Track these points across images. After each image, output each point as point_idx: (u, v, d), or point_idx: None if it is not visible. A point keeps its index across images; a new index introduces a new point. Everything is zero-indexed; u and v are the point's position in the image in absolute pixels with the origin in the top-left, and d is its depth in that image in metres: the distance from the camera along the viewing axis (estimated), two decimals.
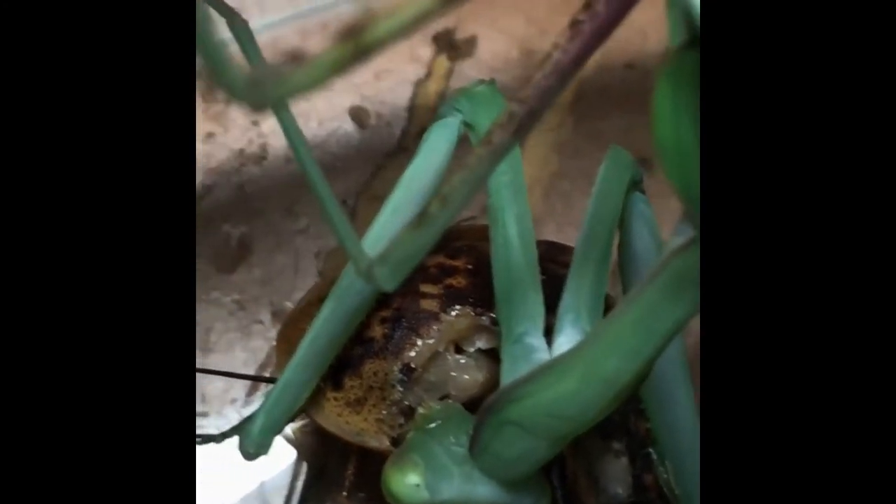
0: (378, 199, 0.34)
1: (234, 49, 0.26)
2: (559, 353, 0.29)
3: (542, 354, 0.30)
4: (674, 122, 0.20)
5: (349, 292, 0.32)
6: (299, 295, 0.42)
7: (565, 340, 0.29)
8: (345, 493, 0.35)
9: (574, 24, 0.21)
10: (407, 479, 0.29)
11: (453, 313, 0.33)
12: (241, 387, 0.41)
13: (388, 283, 0.24)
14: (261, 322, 0.42)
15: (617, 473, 0.34)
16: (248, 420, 0.33)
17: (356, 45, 0.19)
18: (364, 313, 0.33)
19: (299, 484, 0.38)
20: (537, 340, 0.30)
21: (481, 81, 0.33)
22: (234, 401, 0.41)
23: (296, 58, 0.19)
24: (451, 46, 0.47)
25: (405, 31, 0.19)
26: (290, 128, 0.27)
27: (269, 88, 0.19)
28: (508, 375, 0.30)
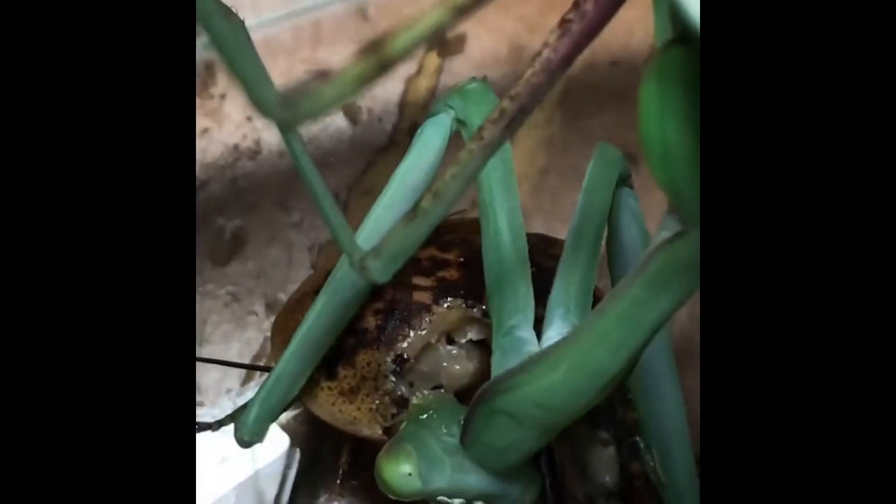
0: (370, 194, 0.35)
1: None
2: (548, 345, 0.30)
3: (532, 347, 0.30)
4: (659, 118, 0.20)
5: (343, 284, 0.32)
6: (293, 287, 0.43)
7: (555, 333, 0.30)
8: (338, 481, 0.36)
9: (563, 23, 0.21)
10: (400, 469, 0.29)
11: (445, 305, 0.34)
12: (235, 377, 0.41)
13: (382, 277, 0.25)
14: (255, 313, 0.43)
15: (604, 462, 0.34)
16: (243, 409, 0.34)
17: (378, 59, 0.19)
18: (358, 305, 0.34)
19: (292, 472, 0.39)
20: (527, 333, 0.30)
21: (473, 79, 0.34)
22: (228, 391, 0.41)
23: (322, 75, 0.20)
24: (442, 44, 0.48)
25: (423, 42, 0.20)
26: (292, 139, 0.27)
27: (300, 106, 0.20)
28: (499, 367, 0.30)
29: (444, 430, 0.30)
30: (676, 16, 0.17)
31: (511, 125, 0.22)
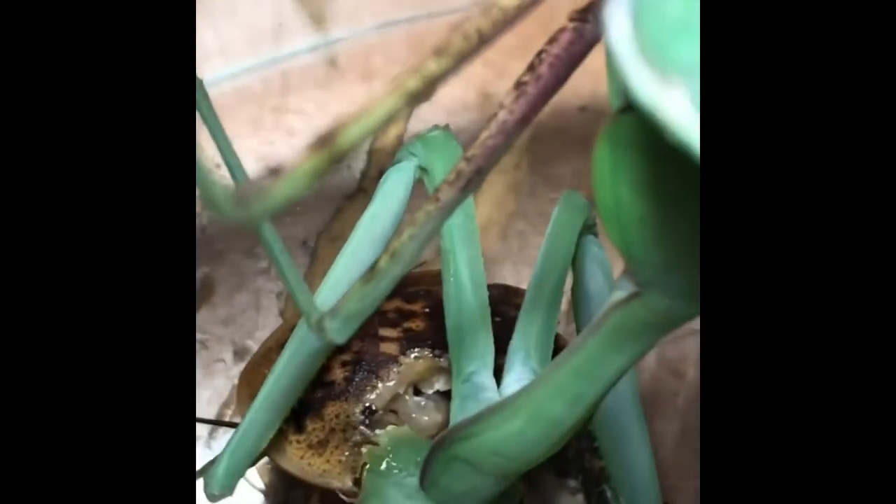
0: (338, 240, 0.35)
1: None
2: (508, 391, 0.30)
3: (491, 394, 0.31)
4: (612, 182, 0.20)
5: (307, 339, 0.32)
6: (261, 334, 0.43)
7: (514, 379, 0.30)
8: None
9: (518, 85, 0.22)
10: None
11: (412, 356, 0.34)
12: (203, 426, 0.41)
13: (339, 337, 0.25)
14: (223, 360, 0.43)
15: None
16: (211, 463, 0.34)
17: (330, 152, 0.19)
18: (323, 358, 0.34)
19: None
20: (487, 379, 0.31)
21: (436, 127, 0.34)
22: (198, 438, 0.41)
23: (275, 172, 0.20)
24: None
25: (374, 130, 0.20)
26: (269, 237, 0.28)
27: (253, 204, 0.20)
28: (458, 413, 0.31)
29: (404, 474, 0.31)
30: (624, 86, 0.18)
31: (468, 186, 0.23)
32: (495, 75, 0.48)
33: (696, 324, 0.45)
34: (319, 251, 0.45)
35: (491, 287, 0.33)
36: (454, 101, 0.47)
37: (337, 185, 0.46)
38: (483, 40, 0.20)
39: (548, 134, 0.48)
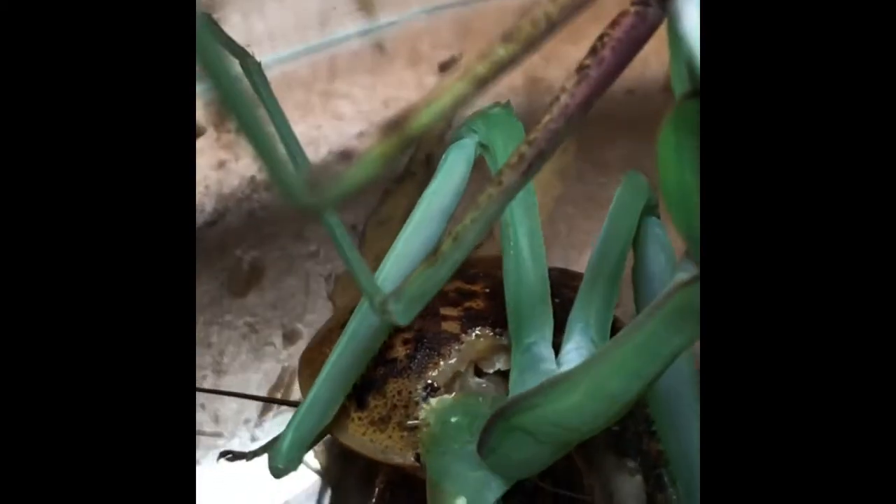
0: (386, 224, 0.35)
1: (245, 86, 0.26)
2: (566, 359, 0.31)
3: (550, 365, 0.31)
4: (677, 168, 0.21)
5: (369, 316, 0.33)
6: (310, 317, 0.43)
7: (573, 347, 0.31)
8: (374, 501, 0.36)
9: (580, 69, 0.22)
10: None
11: (473, 334, 0.34)
12: (254, 408, 0.41)
13: (402, 319, 0.26)
14: (272, 344, 0.43)
15: (632, 490, 0.34)
16: (276, 439, 0.34)
17: (400, 136, 0.20)
18: (385, 336, 0.34)
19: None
20: (545, 350, 0.31)
21: (497, 104, 0.34)
22: (247, 421, 0.41)
23: (346, 157, 0.20)
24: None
25: (445, 115, 0.20)
26: (332, 222, 0.28)
27: (326, 190, 0.20)
28: (517, 383, 0.31)
29: (460, 446, 0.31)
30: (692, 72, 0.18)
31: (530, 170, 0.23)
32: (543, 60, 0.48)
33: None
34: (368, 234, 0.45)
35: (549, 270, 0.33)
36: (502, 85, 0.47)
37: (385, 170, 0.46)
38: (551, 26, 0.21)
39: (595, 118, 0.47)
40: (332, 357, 0.33)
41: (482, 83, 0.20)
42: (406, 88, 0.47)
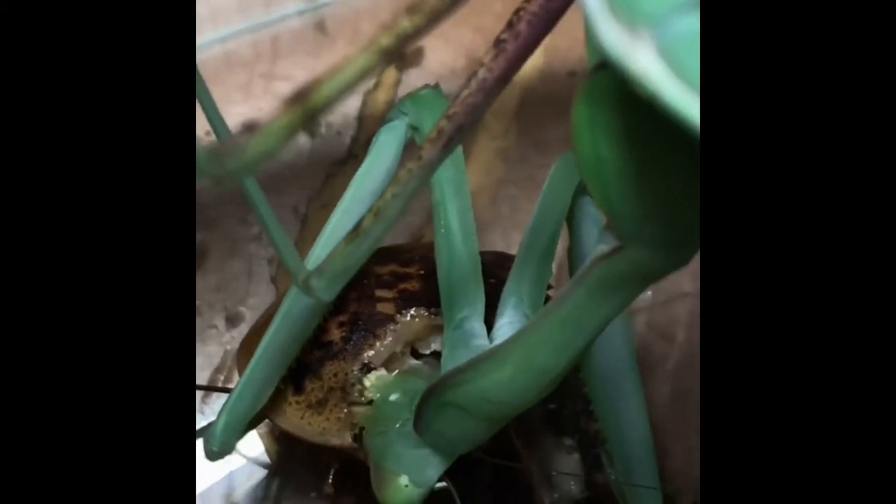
0: (329, 206, 0.35)
1: None
2: (499, 334, 0.31)
3: (481, 341, 0.31)
4: (591, 139, 0.21)
5: (299, 296, 0.33)
6: (253, 300, 0.43)
7: (505, 321, 0.31)
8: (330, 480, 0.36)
9: (497, 43, 0.22)
10: (397, 491, 0.31)
11: (408, 315, 0.34)
12: (196, 393, 0.41)
13: (326, 295, 0.26)
14: (215, 327, 0.43)
15: (569, 468, 0.35)
16: (211, 423, 0.34)
17: (305, 108, 0.20)
18: (318, 316, 0.34)
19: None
20: (477, 325, 0.32)
21: (426, 86, 0.35)
22: None
23: (250, 128, 0.20)
24: (400, 57, 0.48)
25: (349, 87, 0.20)
26: (248, 184, 0.28)
27: (229, 161, 0.20)
28: (449, 359, 0.31)
29: (400, 425, 0.31)
30: (596, 42, 0.18)
31: (449, 144, 0.23)
32: (484, 41, 0.48)
33: (685, 287, 0.45)
34: (310, 217, 0.45)
35: (485, 253, 0.33)
36: (444, 67, 0.47)
37: (327, 152, 0.46)
38: None
39: (537, 100, 0.48)
40: (265, 339, 0.33)
41: (387, 55, 0.20)
42: None
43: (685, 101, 0.16)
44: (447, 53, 0.48)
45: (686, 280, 0.45)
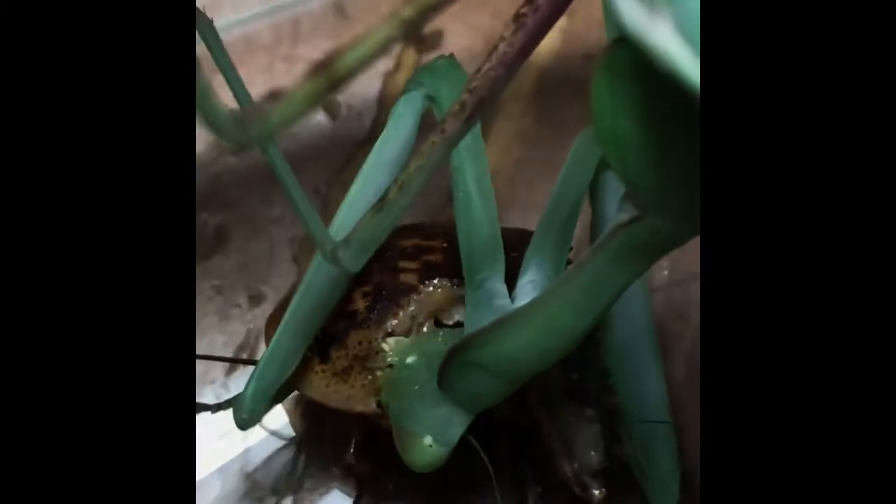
0: (350, 187, 0.36)
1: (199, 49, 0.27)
2: (521, 293, 0.32)
3: (503, 301, 0.32)
4: (611, 112, 0.21)
5: (323, 266, 0.33)
6: (275, 280, 0.44)
7: (527, 280, 0.32)
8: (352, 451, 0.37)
9: (517, 17, 0.22)
10: (423, 450, 0.31)
11: (431, 285, 0.35)
12: (220, 368, 0.42)
13: (353, 266, 0.27)
14: (238, 306, 0.43)
15: (590, 439, 0.35)
16: (240, 393, 0.35)
17: (328, 78, 0.20)
18: (342, 286, 0.35)
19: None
20: (499, 285, 0.32)
21: (441, 56, 0.36)
22: (213, 381, 0.41)
23: (274, 96, 0.20)
24: (419, 40, 0.49)
25: (371, 58, 0.21)
26: (273, 154, 0.29)
27: (253, 127, 0.21)
28: (471, 319, 0.32)
29: (420, 386, 0.32)
30: (615, 17, 0.18)
31: (471, 117, 0.23)
32: (503, 25, 0.48)
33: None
34: (331, 198, 0.45)
35: (507, 229, 0.34)
36: (462, 50, 0.47)
37: (348, 134, 0.47)
38: None
39: (554, 82, 0.48)
40: (290, 310, 0.34)
41: (409, 27, 0.21)
42: None
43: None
44: (466, 36, 0.48)
45: (696, 238, 0.45)
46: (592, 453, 0.35)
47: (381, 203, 0.25)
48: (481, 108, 0.23)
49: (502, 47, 0.22)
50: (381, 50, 0.21)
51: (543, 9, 0.22)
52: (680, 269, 0.45)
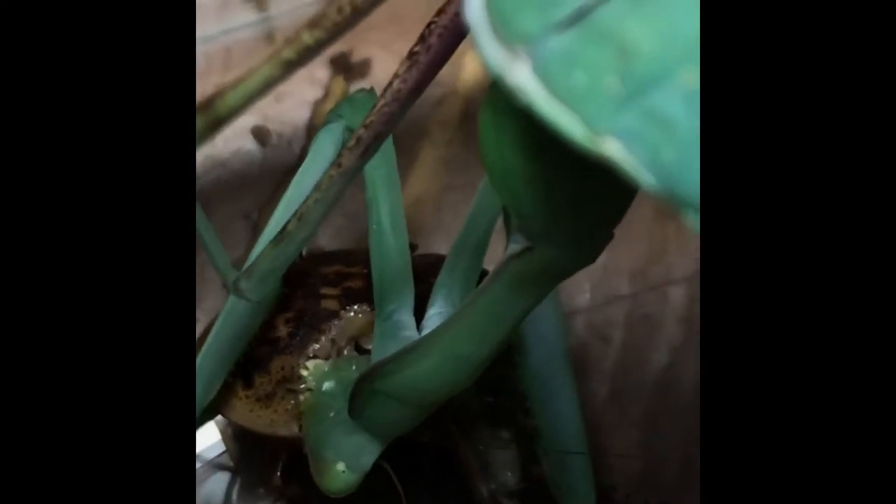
0: None
1: None
2: (429, 324, 0.33)
3: (410, 332, 0.33)
4: (497, 145, 0.22)
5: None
6: (206, 304, 0.44)
7: (435, 312, 0.33)
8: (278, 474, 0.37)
9: (410, 55, 0.23)
10: (336, 476, 0.32)
11: (352, 311, 0.36)
12: None
13: (254, 295, 0.27)
14: None
15: (507, 460, 0.36)
16: None
17: (209, 117, 0.21)
18: (262, 313, 0.35)
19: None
20: (406, 317, 0.33)
21: (362, 89, 0.37)
22: None
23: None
24: (347, 69, 0.49)
25: (253, 98, 0.21)
26: None
27: None
28: (379, 349, 0.33)
29: (335, 413, 0.33)
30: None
31: (367, 151, 0.24)
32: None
33: (622, 290, 0.47)
34: (261, 224, 0.46)
35: (427, 255, 0.35)
36: (389, 78, 0.48)
37: (278, 161, 0.47)
38: (357, 13, 0.22)
39: (479, 111, 0.49)
40: (210, 336, 0.34)
41: (290, 67, 0.21)
42: (298, 82, 0.49)
43: (556, 113, 0.17)
44: (393, 65, 0.48)
45: (623, 282, 0.46)
46: (509, 474, 0.36)
47: (282, 235, 0.26)
48: (377, 143, 0.24)
49: (396, 84, 0.23)
50: (264, 89, 0.21)
51: (435, 47, 0.23)
52: (601, 292, 0.46)
